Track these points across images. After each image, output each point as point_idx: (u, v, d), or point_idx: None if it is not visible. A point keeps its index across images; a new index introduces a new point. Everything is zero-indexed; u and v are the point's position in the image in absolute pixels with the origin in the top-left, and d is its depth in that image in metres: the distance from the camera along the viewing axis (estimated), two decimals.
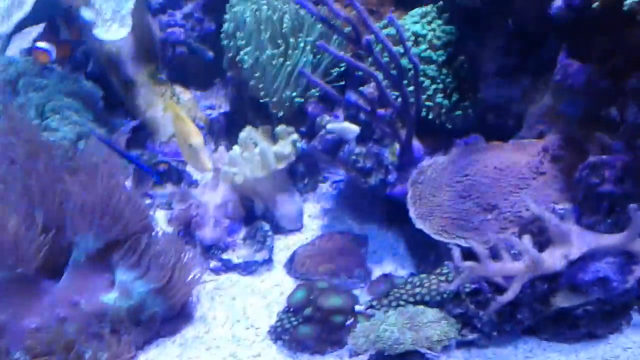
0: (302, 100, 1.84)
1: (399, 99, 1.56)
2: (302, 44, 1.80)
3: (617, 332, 1.34)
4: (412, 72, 1.51)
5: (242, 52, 1.85)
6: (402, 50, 1.49)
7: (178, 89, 2.16)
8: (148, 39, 2.04)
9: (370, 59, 1.85)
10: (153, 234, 1.47)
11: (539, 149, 1.49)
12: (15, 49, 2.34)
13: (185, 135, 1.41)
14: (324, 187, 1.91)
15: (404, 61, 1.55)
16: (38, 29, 2.50)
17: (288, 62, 1.80)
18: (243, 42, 1.86)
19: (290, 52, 1.81)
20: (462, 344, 1.34)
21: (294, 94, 1.82)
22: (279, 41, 1.83)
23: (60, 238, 1.41)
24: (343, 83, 1.84)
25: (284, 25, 1.84)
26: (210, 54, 2.33)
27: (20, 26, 1.72)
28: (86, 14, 1.69)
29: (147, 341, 1.44)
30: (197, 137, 1.40)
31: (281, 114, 1.87)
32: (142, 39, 2.02)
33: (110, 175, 1.42)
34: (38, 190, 1.38)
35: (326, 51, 1.46)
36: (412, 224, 1.55)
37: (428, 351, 1.26)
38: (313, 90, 1.83)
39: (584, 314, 1.32)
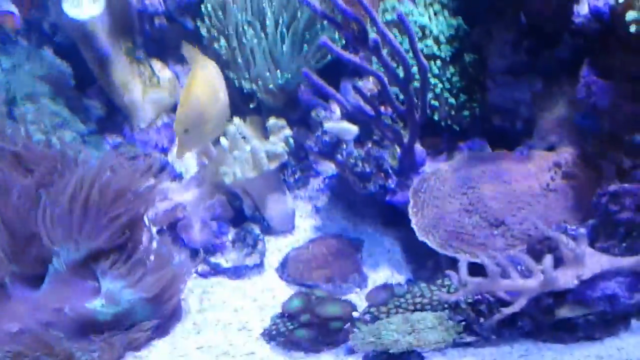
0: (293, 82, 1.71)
1: (404, 102, 1.46)
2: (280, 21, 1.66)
3: (614, 336, 1.33)
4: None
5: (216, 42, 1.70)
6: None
7: (157, 65, 1.99)
8: (124, 12, 1.85)
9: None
10: (143, 239, 1.37)
11: (551, 163, 1.41)
12: None
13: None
14: (316, 183, 1.81)
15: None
16: None
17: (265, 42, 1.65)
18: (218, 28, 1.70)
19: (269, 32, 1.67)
20: (459, 344, 1.31)
21: (286, 76, 1.69)
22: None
23: (38, 248, 1.30)
24: None
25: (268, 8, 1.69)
26: (192, 22, 2.15)
27: None
28: None
29: (137, 346, 1.37)
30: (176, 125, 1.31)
31: (270, 101, 1.74)
32: (118, 12, 1.83)
33: (92, 178, 1.30)
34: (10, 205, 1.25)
35: (330, 50, 1.33)
36: (409, 228, 1.49)
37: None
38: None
39: (584, 321, 1.30)
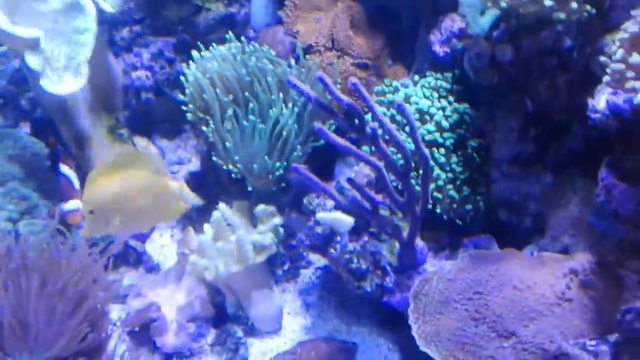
0: (282, 171, 1.59)
1: (404, 193, 1.34)
2: (290, 105, 1.55)
3: None
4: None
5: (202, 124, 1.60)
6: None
7: (141, 142, 1.88)
8: (108, 86, 1.76)
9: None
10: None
11: (566, 269, 1.28)
12: None
13: None
14: (307, 274, 1.66)
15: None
16: None
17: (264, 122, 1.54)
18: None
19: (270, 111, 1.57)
20: None
21: (277, 165, 1.57)
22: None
23: None
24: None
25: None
26: (181, 96, 2.06)
27: None
28: (32, 61, 1.40)
29: None
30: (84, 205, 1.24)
31: (260, 186, 1.62)
32: (102, 86, 1.73)
33: (57, 274, 1.15)
34: None
35: (326, 139, 1.21)
36: (408, 332, 1.34)
37: None
38: (295, 153, 1.58)
39: None
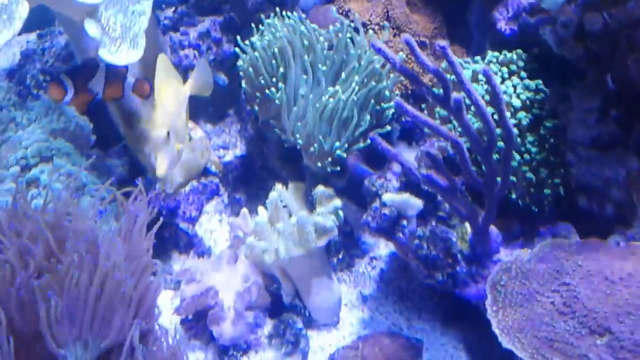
0: (345, 155, 1.49)
1: (483, 173, 1.23)
2: (352, 83, 1.45)
3: None
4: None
5: (271, 88, 1.50)
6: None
7: (189, 124, 1.79)
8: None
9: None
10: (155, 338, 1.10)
11: None
12: None
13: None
14: (363, 264, 1.56)
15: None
16: (21, 40, 2.12)
17: (330, 100, 1.44)
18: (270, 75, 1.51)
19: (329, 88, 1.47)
20: None
21: (337, 145, 1.47)
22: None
23: (43, 349, 1.04)
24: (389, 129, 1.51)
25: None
26: (225, 79, 1.98)
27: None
28: (91, 28, 1.32)
29: None
30: (157, 131, 1.33)
31: (319, 167, 1.52)
32: (150, 62, 1.64)
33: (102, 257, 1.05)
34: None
35: (405, 112, 1.11)
36: (479, 329, 1.24)
37: None
38: (361, 144, 1.48)
39: None
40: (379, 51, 1.10)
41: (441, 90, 1.13)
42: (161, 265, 1.16)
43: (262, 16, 1.72)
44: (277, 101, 1.49)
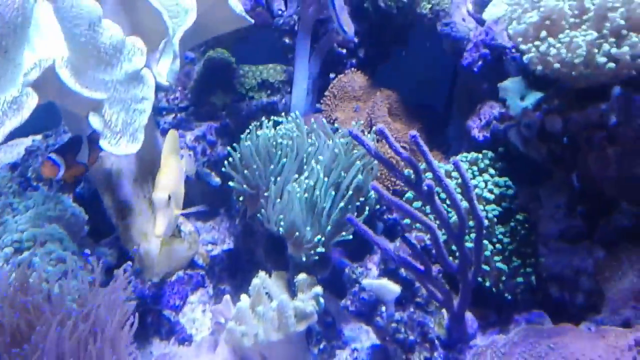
0: (324, 250, 1.55)
1: (457, 258, 1.30)
2: (317, 166, 1.55)
3: None
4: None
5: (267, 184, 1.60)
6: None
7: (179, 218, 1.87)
8: (153, 161, 1.78)
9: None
10: None
11: (630, 341, 1.20)
12: None
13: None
14: (345, 355, 1.57)
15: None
16: (27, 141, 2.26)
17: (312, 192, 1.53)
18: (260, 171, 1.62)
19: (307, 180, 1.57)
20: None
21: (321, 239, 1.54)
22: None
23: None
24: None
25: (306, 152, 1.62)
26: (217, 180, 2.09)
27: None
28: (94, 121, 1.44)
29: None
30: (160, 193, 1.40)
31: (302, 258, 1.58)
32: (147, 160, 1.76)
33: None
34: None
35: (381, 196, 1.21)
36: None
37: None
38: (344, 234, 1.55)
39: None
40: (355, 137, 1.22)
41: (413, 176, 1.23)
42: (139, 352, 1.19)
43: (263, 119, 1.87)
44: (266, 193, 1.58)
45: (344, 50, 2.14)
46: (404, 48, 2.20)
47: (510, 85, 1.67)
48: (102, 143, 1.43)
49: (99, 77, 1.48)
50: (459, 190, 1.47)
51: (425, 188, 1.19)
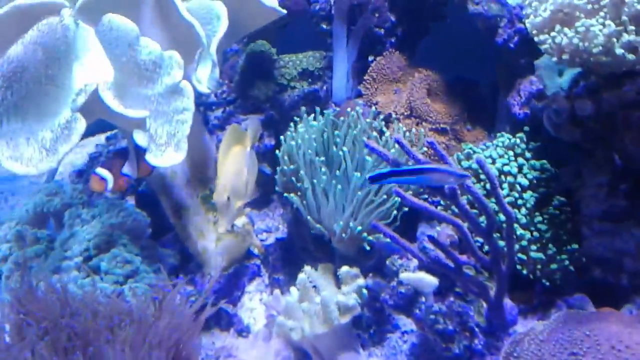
0: (367, 235, 1.62)
1: (489, 252, 1.33)
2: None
3: None
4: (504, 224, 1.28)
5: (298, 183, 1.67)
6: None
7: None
8: (204, 162, 1.89)
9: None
10: None
11: None
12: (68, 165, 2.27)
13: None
14: (394, 339, 1.64)
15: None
16: (93, 140, 2.44)
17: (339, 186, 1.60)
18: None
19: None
20: None
21: (358, 228, 1.60)
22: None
23: None
24: None
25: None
26: (268, 169, 2.18)
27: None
28: (139, 138, 1.55)
29: None
30: (218, 196, 1.48)
31: (344, 250, 1.65)
32: (198, 162, 1.87)
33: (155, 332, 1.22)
34: None
35: (403, 200, 1.25)
36: None
37: None
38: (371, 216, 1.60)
39: None
40: (372, 150, 1.26)
41: None
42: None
43: (302, 109, 1.93)
44: (304, 201, 1.66)
45: (382, 31, 2.14)
46: (444, 22, 2.17)
47: (547, 62, 1.63)
48: (148, 157, 1.54)
49: (142, 93, 1.58)
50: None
51: (448, 190, 1.22)
